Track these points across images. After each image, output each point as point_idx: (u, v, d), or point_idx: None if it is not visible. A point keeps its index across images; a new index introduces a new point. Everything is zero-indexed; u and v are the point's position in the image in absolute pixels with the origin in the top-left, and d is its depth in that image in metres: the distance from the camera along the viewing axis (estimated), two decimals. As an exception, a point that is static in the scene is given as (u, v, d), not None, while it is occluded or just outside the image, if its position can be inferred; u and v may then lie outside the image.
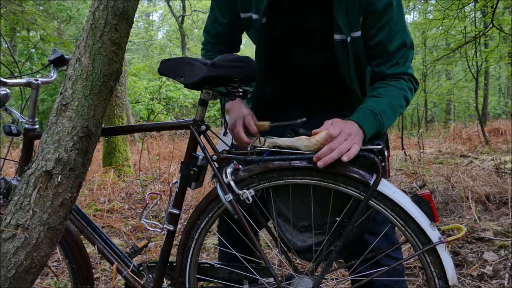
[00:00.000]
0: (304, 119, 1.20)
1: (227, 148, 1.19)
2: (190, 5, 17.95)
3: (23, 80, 1.26)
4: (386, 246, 1.25)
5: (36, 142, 1.26)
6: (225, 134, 1.21)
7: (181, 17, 17.65)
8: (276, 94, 1.38)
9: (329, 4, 1.15)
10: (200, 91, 1.15)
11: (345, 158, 0.99)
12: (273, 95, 1.38)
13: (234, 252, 1.25)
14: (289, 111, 1.32)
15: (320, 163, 1.01)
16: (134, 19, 1.15)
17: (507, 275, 1.84)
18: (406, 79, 1.20)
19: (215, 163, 1.14)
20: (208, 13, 1.41)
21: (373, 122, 1.11)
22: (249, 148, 1.13)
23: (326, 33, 1.20)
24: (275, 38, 1.27)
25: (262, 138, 1.14)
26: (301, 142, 1.08)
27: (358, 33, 1.18)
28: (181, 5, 17.98)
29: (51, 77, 1.35)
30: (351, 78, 1.24)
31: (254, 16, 1.23)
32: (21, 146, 1.32)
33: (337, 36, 1.18)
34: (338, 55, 1.21)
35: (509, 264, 1.93)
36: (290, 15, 1.23)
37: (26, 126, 1.28)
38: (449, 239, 1.02)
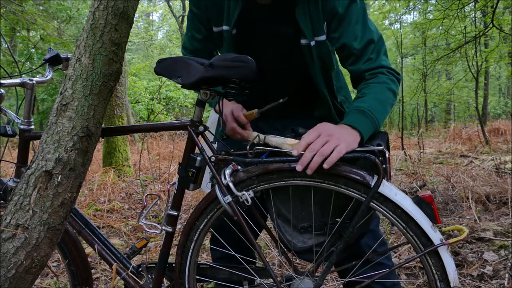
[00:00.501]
0: (286, 98, 1.21)
1: (223, 148, 1.19)
2: (190, 5, 17.91)
3: (17, 81, 1.25)
4: (373, 243, 1.26)
5: (35, 142, 1.25)
6: (221, 135, 1.21)
7: (181, 17, 17.63)
8: (254, 104, 1.34)
9: (294, 11, 1.19)
10: (197, 92, 1.14)
11: (325, 166, 0.99)
12: (251, 105, 1.35)
13: (233, 253, 1.24)
14: (272, 118, 1.32)
15: (308, 171, 1.00)
16: (134, 19, 1.15)
17: (507, 275, 1.84)
18: (384, 72, 1.21)
19: (213, 164, 1.14)
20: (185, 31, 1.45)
21: (365, 120, 1.10)
22: (248, 148, 1.13)
23: (294, 39, 1.24)
24: (246, 48, 1.28)
25: (261, 136, 1.14)
26: (285, 146, 1.09)
27: (322, 37, 1.23)
28: (181, 5, 17.97)
29: (47, 76, 1.34)
30: (317, 80, 1.28)
31: (225, 28, 1.27)
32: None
33: (303, 41, 1.24)
34: (306, 59, 1.26)
35: (509, 264, 1.93)
36: (259, 25, 1.27)
37: (21, 126, 1.26)
38: (451, 241, 1.01)
